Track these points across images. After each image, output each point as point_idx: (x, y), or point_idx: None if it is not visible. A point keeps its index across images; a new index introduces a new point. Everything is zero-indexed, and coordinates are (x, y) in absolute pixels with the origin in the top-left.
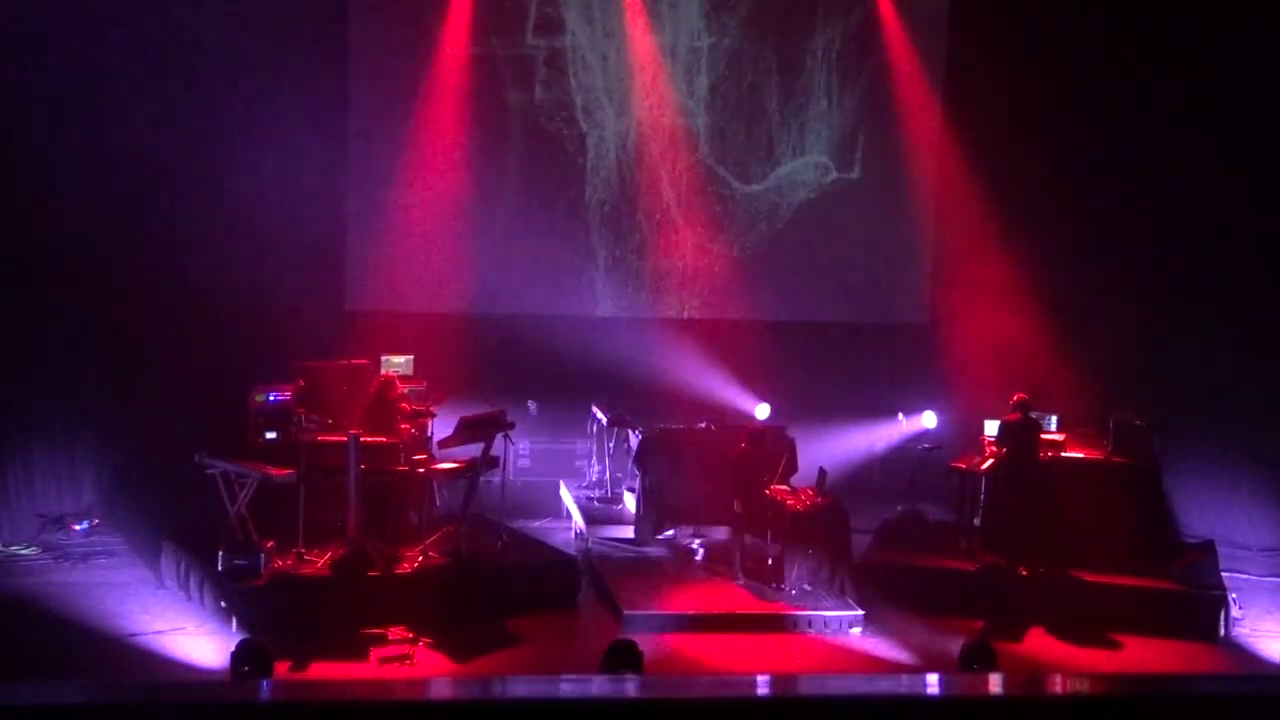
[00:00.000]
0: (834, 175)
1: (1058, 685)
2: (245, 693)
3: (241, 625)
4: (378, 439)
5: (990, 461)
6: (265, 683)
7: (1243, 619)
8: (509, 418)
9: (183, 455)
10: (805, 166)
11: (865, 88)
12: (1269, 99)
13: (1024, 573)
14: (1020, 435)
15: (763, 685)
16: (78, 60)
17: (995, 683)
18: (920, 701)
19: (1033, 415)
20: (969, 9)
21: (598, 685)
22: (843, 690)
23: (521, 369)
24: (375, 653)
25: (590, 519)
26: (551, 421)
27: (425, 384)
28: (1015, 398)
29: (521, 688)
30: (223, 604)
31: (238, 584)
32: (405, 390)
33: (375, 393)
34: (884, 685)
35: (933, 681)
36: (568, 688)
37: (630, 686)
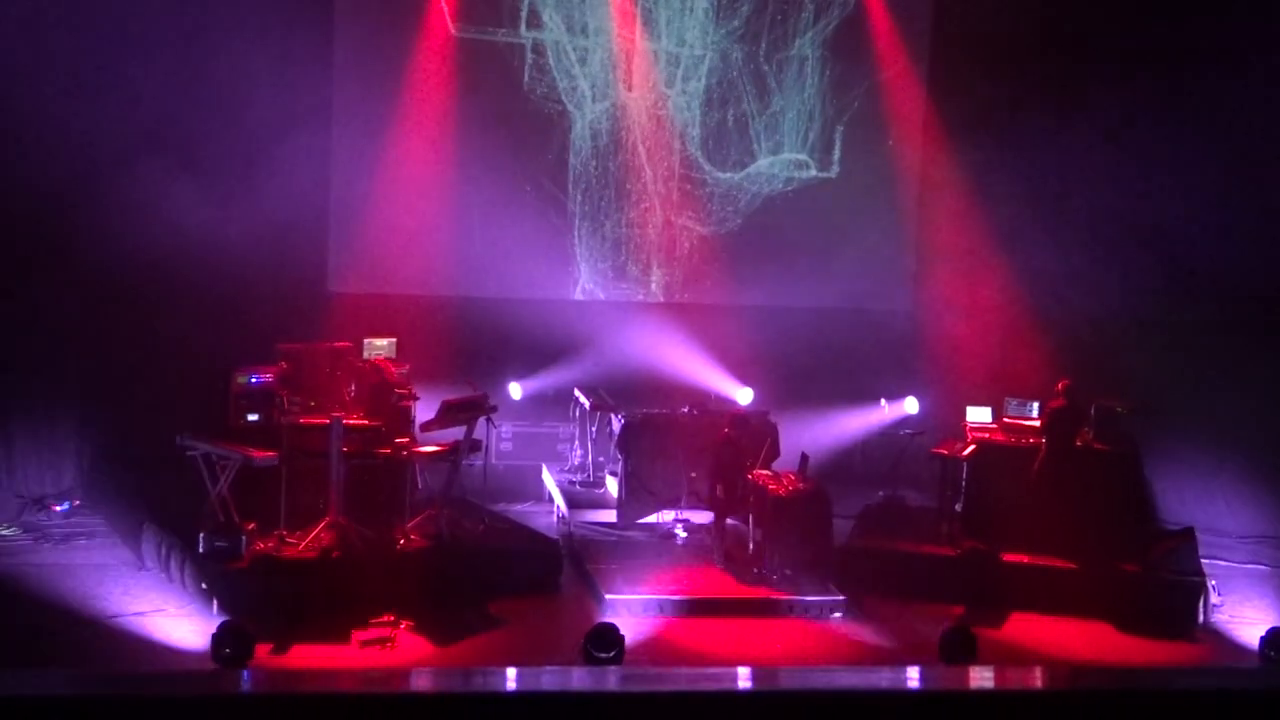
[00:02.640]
0: (818, 168)
1: (1037, 679)
2: (227, 684)
3: (222, 607)
4: (360, 422)
5: (972, 448)
6: (246, 674)
7: (1221, 605)
8: (491, 401)
9: (164, 437)
10: (790, 159)
11: (852, 83)
12: (1248, 86)
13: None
14: (1065, 423)
15: (744, 678)
16: (57, 42)
17: (976, 676)
18: (901, 695)
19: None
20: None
21: (578, 677)
22: (825, 684)
23: (504, 352)
24: (356, 635)
25: (572, 503)
26: (534, 405)
27: (408, 366)
28: (1060, 384)
29: (502, 680)
30: (204, 586)
31: (219, 566)
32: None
33: (369, 376)
34: (865, 679)
35: (914, 675)
36: (549, 680)
37: (611, 679)
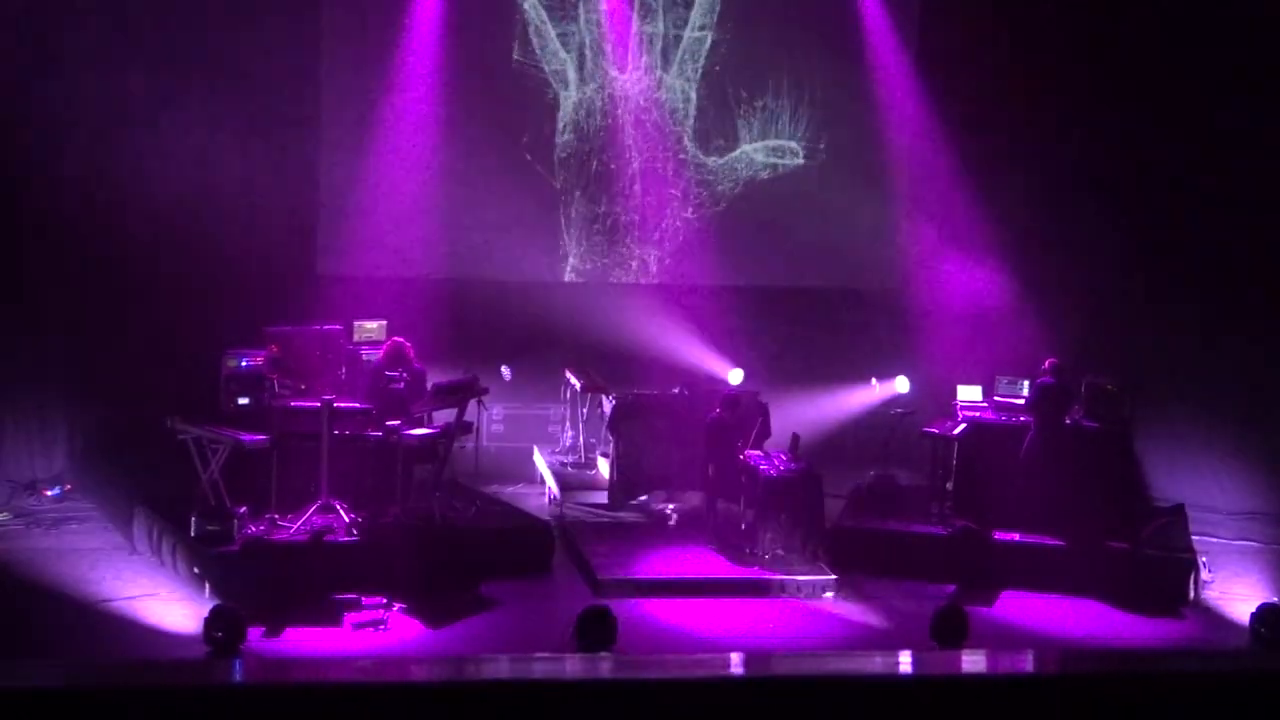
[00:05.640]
0: (807, 148)
1: (1029, 663)
2: (219, 674)
3: (214, 591)
4: (352, 404)
5: (963, 426)
6: (238, 663)
7: (1212, 582)
8: (482, 383)
9: (155, 420)
10: (779, 139)
11: (841, 63)
12: (1241, 62)
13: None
14: (1052, 401)
15: (737, 664)
16: (44, 25)
17: (968, 661)
18: (893, 680)
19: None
20: None
21: (571, 665)
22: (818, 669)
23: (495, 334)
24: (349, 618)
25: (564, 485)
26: (525, 387)
27: None
28: (1048, 363)
29: (495, 668)
30: (195, 570)
31: (210, 550)
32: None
33: (388, 358)
34: (858, 664)
35: (906, 660)
36: (541, 668)
37: (604, 666)
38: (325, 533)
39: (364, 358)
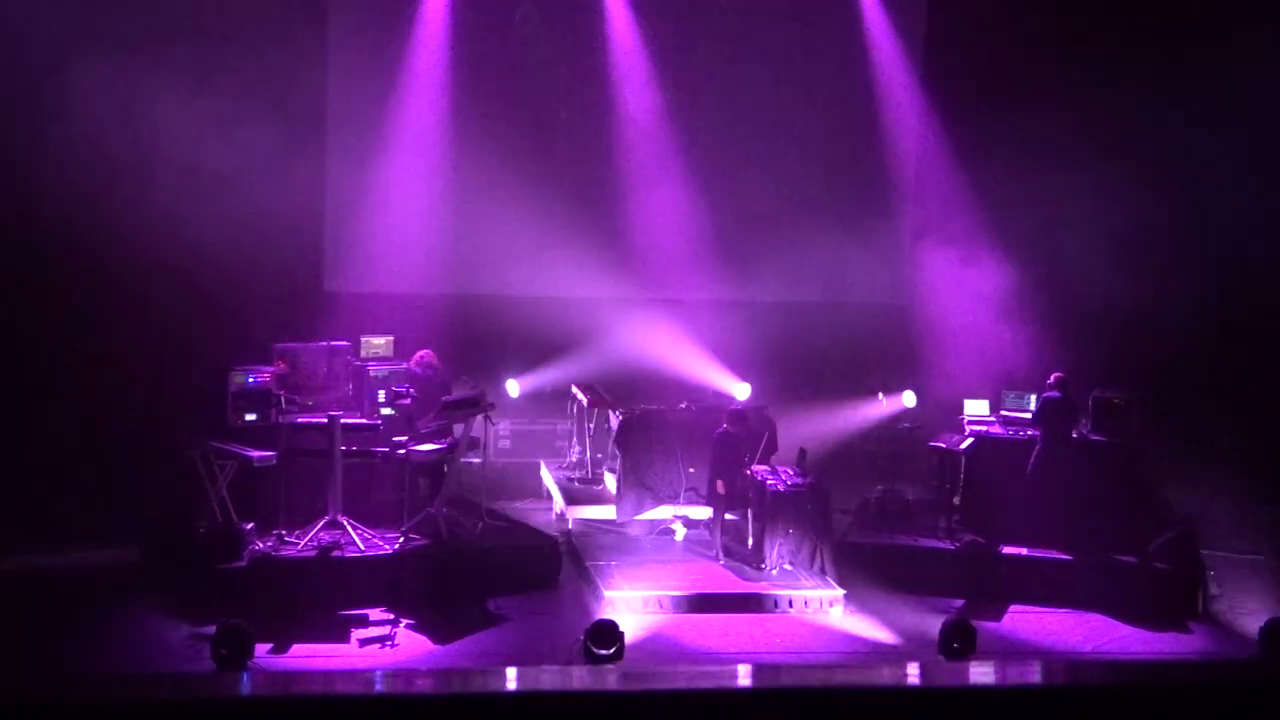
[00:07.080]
0: (817, 163)
1: (1036, 674)
2: (227, 687)
3: (222, 607)
4: (359, 420)
5: (970, 440)
6: (246, 676)
7: (1220, 596)
8: (489, 399)
9: (163, 437)
10: (785, 151)
11: (849, 78)
12: (1244, 64)
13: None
14: (1058, 415)
15: (744, 676)
16: (48, 36)
17: (975, 672)
18: (900, 692)
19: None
20: None
21: (579, 677)
22: (824, 681)
23: (501, 350)
24: (356, 634)
25: (571, 500)
26: (532, 402)
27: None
28: (1054, 377)
29: (503, 680)
30: (203, 586)
31: (218, 566)
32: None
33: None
34: (864, 676)
35: (913, 671)
36: (549, 679)
37: (611, 678)
38: (333, 549)
39: (371, 374)
